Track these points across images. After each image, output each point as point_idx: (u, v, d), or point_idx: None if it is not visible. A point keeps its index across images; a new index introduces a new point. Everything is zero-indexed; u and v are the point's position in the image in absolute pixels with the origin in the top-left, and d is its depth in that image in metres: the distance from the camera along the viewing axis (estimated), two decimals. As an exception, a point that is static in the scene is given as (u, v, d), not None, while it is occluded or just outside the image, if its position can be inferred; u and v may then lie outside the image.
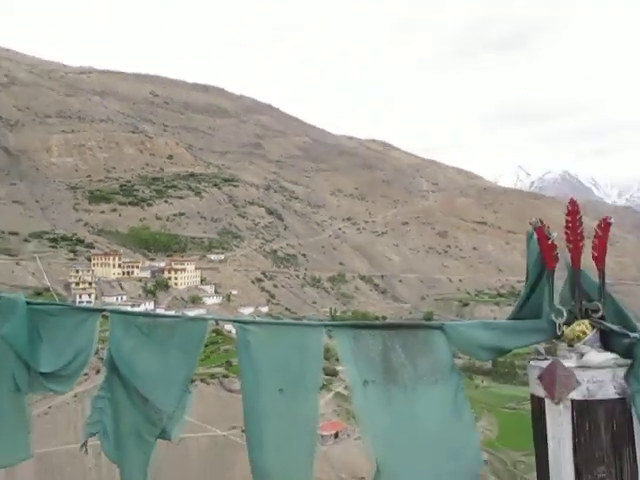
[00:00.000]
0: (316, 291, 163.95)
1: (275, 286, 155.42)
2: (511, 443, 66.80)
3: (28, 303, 2.76)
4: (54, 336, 2.75)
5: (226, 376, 77.67)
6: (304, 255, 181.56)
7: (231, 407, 72.58)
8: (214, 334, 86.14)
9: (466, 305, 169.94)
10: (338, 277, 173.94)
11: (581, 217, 2.52)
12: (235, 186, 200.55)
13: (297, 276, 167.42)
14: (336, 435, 70.96)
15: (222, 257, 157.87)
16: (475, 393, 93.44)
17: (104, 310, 2.82)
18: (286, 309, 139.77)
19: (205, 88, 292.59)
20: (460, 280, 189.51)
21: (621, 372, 2.35)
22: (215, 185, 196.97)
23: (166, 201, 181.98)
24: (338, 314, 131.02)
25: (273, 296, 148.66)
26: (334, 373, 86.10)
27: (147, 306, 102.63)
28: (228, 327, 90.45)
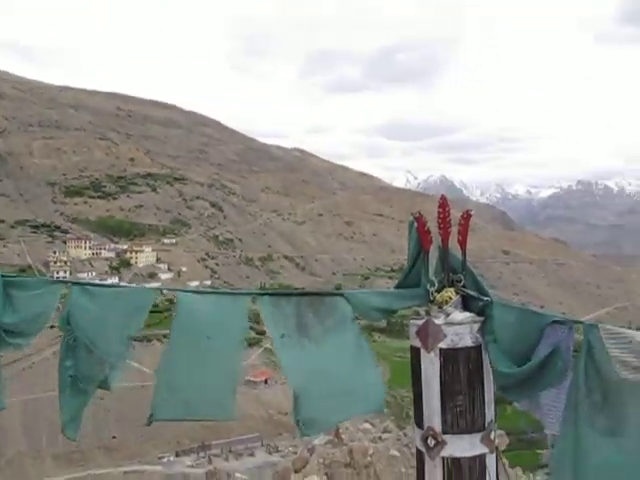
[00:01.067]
0: (249, 268, 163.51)
1: (217, 264, 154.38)
2: (400, 383, 68.48)
3: (2, 276, 2.58)
4: (21, 299, 2.58)
5: (177, 336, 76.78)
6: (240, 239, 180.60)
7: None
8: (167, 302, 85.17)
9: (367, 279, 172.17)
10: (267, 257, 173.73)
11: (449, 209, 2.66)
12: (185, 184, 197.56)
13: (234, 256, 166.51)
14: (266, 381, 71.09)
15: (174, 241, 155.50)
16: (373, 346, 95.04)
17: (66, 282, 2.66)
18: (225, 282, 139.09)
19: (162, 104, 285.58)
20: (363, 259, 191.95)
21: (476, 327, 2.51)
22: (168, 183, 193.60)
23: (128, 196, 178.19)
24: (267, 286, 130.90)
25: (215, 272, 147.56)
26: (263, 332, 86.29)
27: (112, 280, 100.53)
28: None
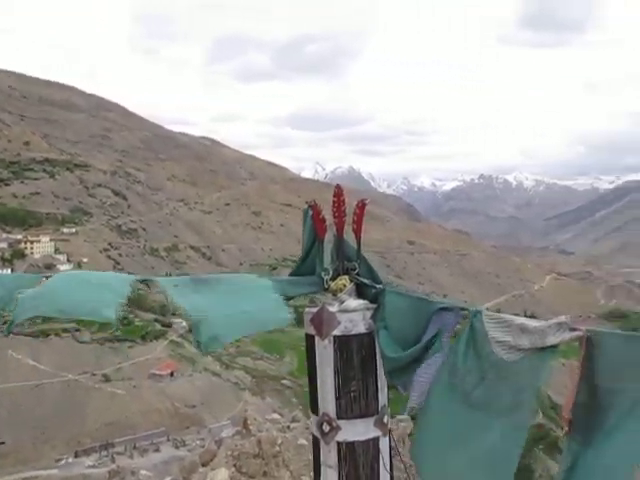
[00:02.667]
0: (154, 259, 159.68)
1: (120, 255, 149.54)
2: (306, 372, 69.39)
3: None
4: None
5: (77, 330, 73.82)
6: (144, 229, 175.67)
7: (82, 356, 69.33)
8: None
9: (275, 269, 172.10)
10: (172, 247, 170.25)
11: (344, 199, 2.72)
12: (86, 171, 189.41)
13: (138, 247, 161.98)
14: (172, 374, 69.84)
15: (74, 230, 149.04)
16: (281, 336, 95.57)
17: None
18: (129, 274, 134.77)
19: (59, 86, 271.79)
20: (270, 249, 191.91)
21: (369, 314, 2.57)
22: (68, 169, 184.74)
23: (22, 182, 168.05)
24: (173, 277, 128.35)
25: (118, 263, 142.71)
26: (169, 325, 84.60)
27: (4, 272, 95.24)
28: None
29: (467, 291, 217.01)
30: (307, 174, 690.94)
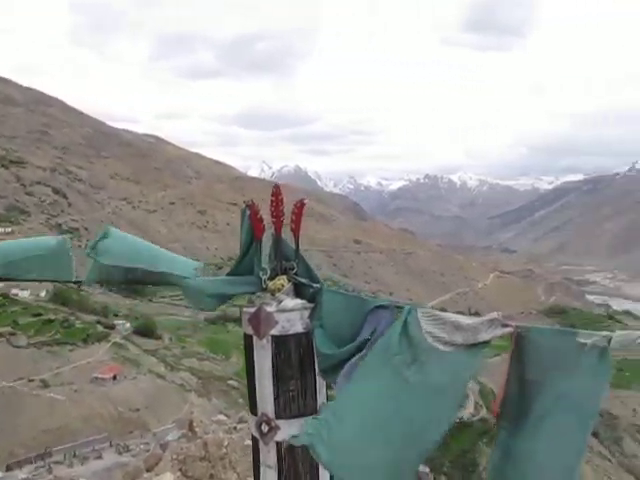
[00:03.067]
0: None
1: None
2: (255, 374, 68.98)
3: None
4: None
5: (13, 334, 71.45)
6: (86, 228, 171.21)
7: (17, 361, 67.05)
8: (1, 297, 79.21)
9: (220, 268, 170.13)
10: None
11: (282, 198, 2.69)
12: (23, 167, 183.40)
13: (80, 246, 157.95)
14: (114, 377, 68.35)
15: (9, 230, 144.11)
16: (227, 336, 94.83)
17: None
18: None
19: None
20: (216, 249, 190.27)
21: (306, 313, 2.57)
22: (3, 166, 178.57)
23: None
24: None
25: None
26: (112, 327, 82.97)
27: None
28: (15, 291, 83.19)
29: (413, 289, 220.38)
30: (253, 173, 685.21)
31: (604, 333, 1.69)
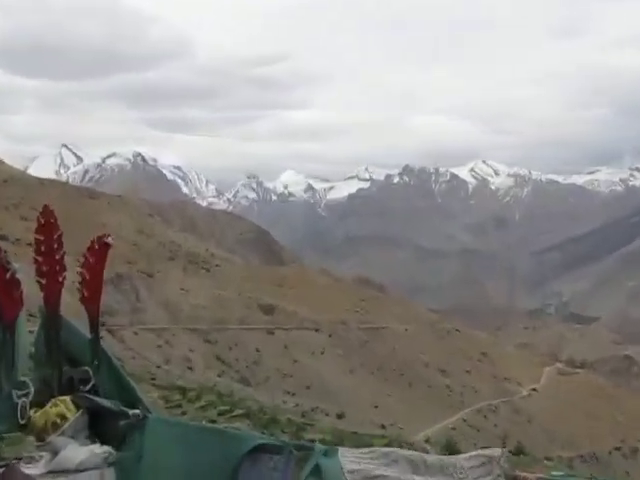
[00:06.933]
0: None
1: None
2: None
3: None
4: None
5: None
6: None
7: None
8: None
9: None
10: None
11: (60, 235, 1.49)
12: None
13: None
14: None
15: None
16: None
17: None
18: None
19: None
20: None
21: (111, 474, 1.37)
22: None
23: None
24: None
25: None
26: None
27: None
28: None
29: (384, 404, 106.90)
30: (43, 170, 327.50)
31: None
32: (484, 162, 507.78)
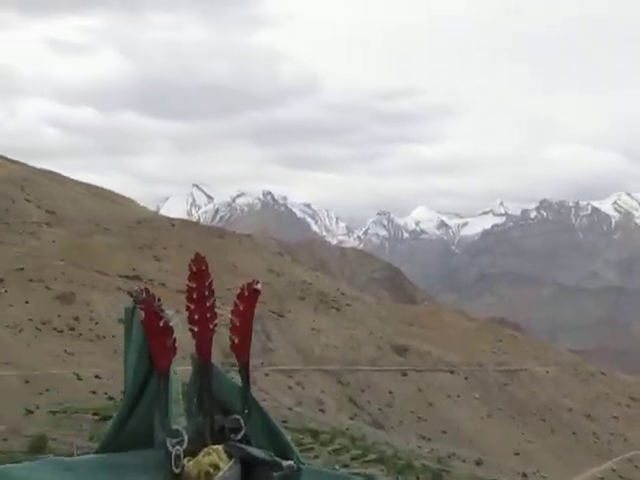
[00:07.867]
0: None
1: None
2: None
3: None
4: None
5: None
6: None
7: None
8: None
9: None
10: None
11: (211, 282, 1.51)
12: None
13: None
14: None
15: None
16: None
17: None
18: None
19: None
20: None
21: None
22: None
23: None
24: None
25: None
26: None
27: None
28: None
29: (527, 449, 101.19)
30: (174, 210, 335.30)
31: None
32: (628, 194, 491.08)
